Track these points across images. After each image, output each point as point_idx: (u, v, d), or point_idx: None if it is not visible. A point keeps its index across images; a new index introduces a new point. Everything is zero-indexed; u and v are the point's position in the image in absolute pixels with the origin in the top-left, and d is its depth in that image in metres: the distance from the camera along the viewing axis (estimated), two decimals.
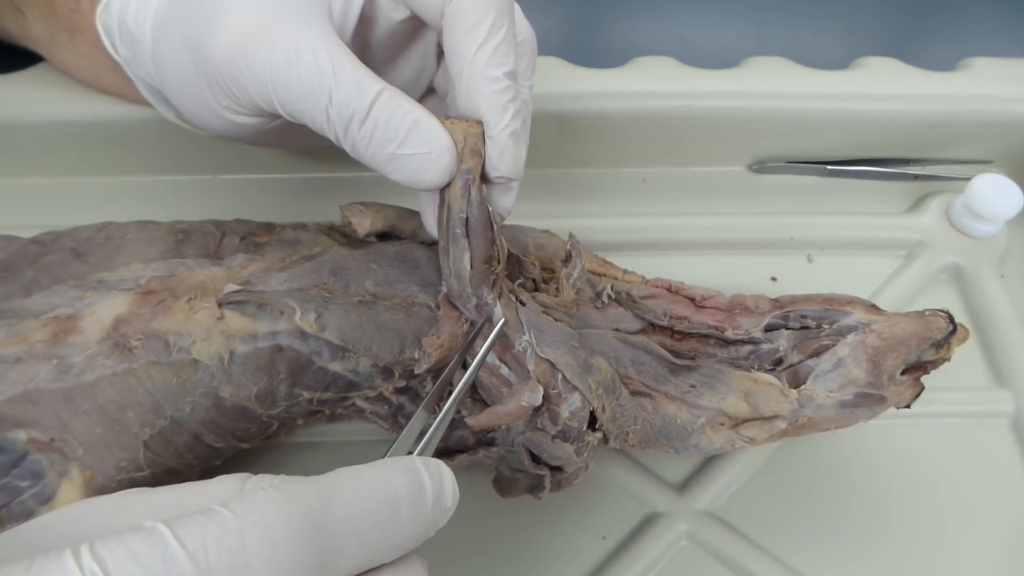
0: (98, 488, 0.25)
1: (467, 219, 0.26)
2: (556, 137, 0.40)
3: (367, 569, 0.18)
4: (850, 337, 0.29)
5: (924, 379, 0.29)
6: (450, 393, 0.25)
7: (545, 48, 0.37)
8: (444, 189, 0.27)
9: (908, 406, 0.29)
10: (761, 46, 0.49)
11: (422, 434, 0.23)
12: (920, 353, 0.28)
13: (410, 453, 0.21)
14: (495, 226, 0.27)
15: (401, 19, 0.28)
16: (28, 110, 0.36)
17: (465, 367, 0.28)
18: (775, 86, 0.40)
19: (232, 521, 0.16)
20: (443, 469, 0.20)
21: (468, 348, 0.27)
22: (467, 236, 0.26)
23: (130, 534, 0.15)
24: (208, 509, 0.16)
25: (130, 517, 0.18)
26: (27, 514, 0.25)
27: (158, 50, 0.29)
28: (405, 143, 0.25)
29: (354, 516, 0.17)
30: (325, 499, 0.17)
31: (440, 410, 0.24)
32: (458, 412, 0.29)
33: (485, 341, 0.26)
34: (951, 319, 0.29)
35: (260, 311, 0.27)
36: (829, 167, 0.42)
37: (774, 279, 0.39)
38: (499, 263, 0.27)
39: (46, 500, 0.25)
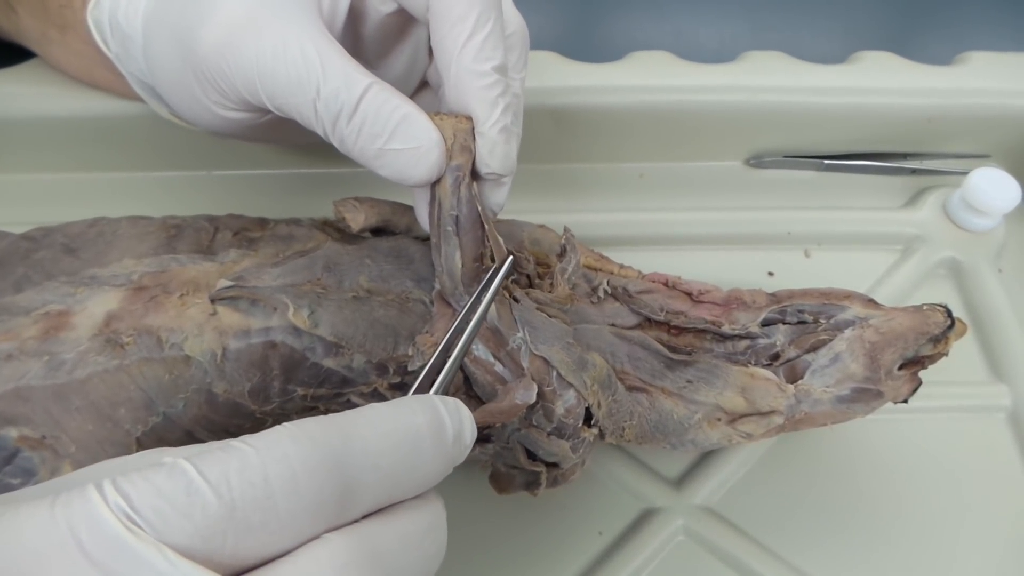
0: None
1: (457, 216, 0.26)
2: (552, 132, 0.40)
3: (388, 504, 0.18)
4: (847, 332, 0.29)
5: (922, 374, 0.29)
6: (462, 331, 0.24)
7: (541, 42, 0.37)
8: (435, 186, 0.26)
9: (906, 401, 0.29)
10: (758, 41, 0.48)
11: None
12: (918, 348, 0.28)
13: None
14: (486, 223, 0.27)
15: (389, 12, 0.28)
16: (20, 106, 0.36)
17: (460, 364, 0.28)
18: (772, 80, 0.39)
19: (254, 456, 0.16)
20: (461, 407, 0.20)
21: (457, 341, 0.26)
22: (457, 233, 0.26)
23: (152, 469, 0.15)
24: (227, 444, 0.16)
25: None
26: None
27: (148, 45, 0.29)
28: (393, 138, 0.25)
29: (374, 451, 0.17)
30: (344, 434, 0.17)
31: (454, 350, 0.24)
32: None
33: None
34: (949, 314, 0.28)
35: (253, 307, 0.27)
36: (826, 161, 0.42)
37: (771, 274, 0.38)
38: (493, 260, 0.27)
39: None
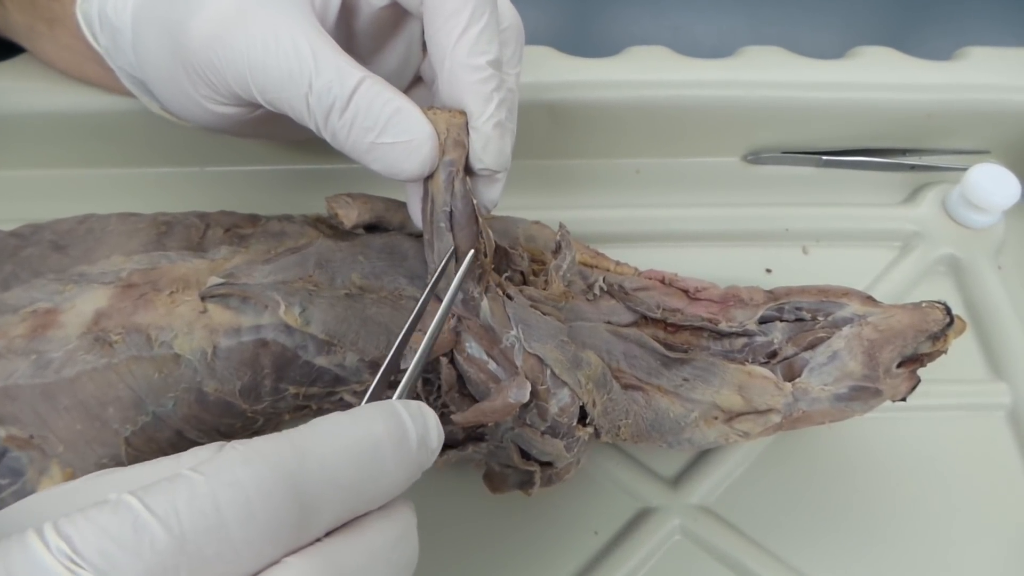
0: None
1: (451, 212, 0.26)
2: (548, 127, 0.39)
3: (352, 517, 0.17)
4: (846, 329, 0.28)
5: (920, 372, 0.29)
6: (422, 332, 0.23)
7: (538, 38, 0.36)
8: (428, 181, 0.26)
9: (904, 399, 0.29)
10: (756, 36, 0.48)
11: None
12: (916, 345, 0.28)
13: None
14: (480, 219, 0.26)
15: (382, 6, 0.27)
16: (9, 102, 0.36)
17: (454, 362, 0.27)
18: (770, 76, 0.39)
19: (203, 484, 0.15)
20: (425, 410, 0.19)
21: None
22: (451, 230, 0.26)
23: (95, 508, 0.15)
24: (175, 475, 0.15)
25: (99, 496, 0.17)
26: None
27: (138, 39, 0.28)
28: (386, 131, 0.24)
29: (332, 466, 0.17)
30: (299, 452, 0.16)
31: (415, 350, 0.23)
32: (446, 407, 0.29)
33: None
34: (948, 311, 0.28)
35: (244, 304, 0.26)
36: (824, 158, 0.41)
37: (769, 271, 0.38)
38: (486, 256, 0.27)
39: (25, 497, 0.25)
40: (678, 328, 0.31)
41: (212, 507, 0.15)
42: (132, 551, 0.14)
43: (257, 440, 0.16)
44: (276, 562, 0.16)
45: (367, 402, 0.20)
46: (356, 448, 0.17)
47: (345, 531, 0.17)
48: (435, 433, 0.19)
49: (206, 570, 0.15)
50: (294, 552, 0.16)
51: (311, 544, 0.16)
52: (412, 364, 0.22)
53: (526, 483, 0.28)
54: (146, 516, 0.14)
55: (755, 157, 0.42)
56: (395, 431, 0.18)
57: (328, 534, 0.17)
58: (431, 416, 0.19)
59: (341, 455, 0.17)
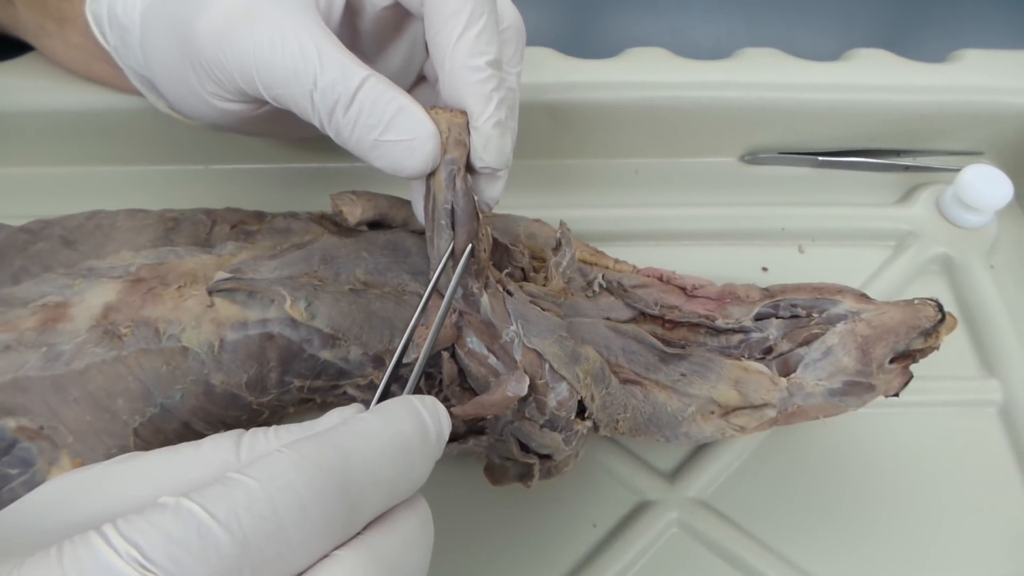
0: None
1: (452, 209, 0.26)
2: (548, 127, 0.40)
3: (387, 509, 0.18)
4: (839, 326, 0.29)
5: (913, 368, 0.29)
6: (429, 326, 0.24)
7: (537, 39, 0.37)
8: (430, 178, 0.27)
9: (897, 394, 0.29)
10: (753, 38, 0.49)
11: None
12: (909, 342, 0.29)
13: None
14: (480, 216, 0.27)
15: (385, 6, 0.28)
16: (18, 99, 0.36)
17: (455, 356, 0.28)
18: (767, 77, 0.40)
19: (258, 489, 0.16)
20: (438, 405, 0.20)
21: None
22: (452, 227, 0.26)
23: (155, 511, 0.15)
24: (227, 478, 0.16)
25: (127, 487, 0.18)
26: (16, 501, 0.25)
27: (146, 37, 0.29)
28: (389, 129, 0.25)
29: (372, 465, 0.18)
30: (343, 454, 0.17)
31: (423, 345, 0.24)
32: (446, 400, 0.29)
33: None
34: (940, 308, 0.29)
35: (250, 299, 0.27)
36: (820, 158, 0.42)
37: (765, 269, 0.39)
38: (484, 252, 0.27)
39: (35, 487, 0.25)
40: (676, 324, 0.31)
41: (271, 511, 0.15)
42: (199, 556, 0.15)
43: (302, 443, 0.17)
44: (327, 555, 0.17)
45: (380, 394, 0.21)
46: (390, 446, 0.18)
47: (381, 523, 0.18)
48: (446, 426, 0.20)
49: (266, 571, 0.15)
50: (341, 546, 0.17)
51: (354, 537, 0.17)
52: (419, 359, 0.23)
53: (525, 476, 0.29)
54: (209, 521, 0.15)
55: (752, 157, 0.42)
56: (419, 428, 0.19)
57: (365, 527, 0.18)
58: (443, 411, 0.20)
59: (378, 454, 0.18)
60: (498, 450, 0.29)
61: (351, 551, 0.17)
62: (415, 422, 0.19)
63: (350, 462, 0.17)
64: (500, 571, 0.31)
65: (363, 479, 0.17)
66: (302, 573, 0.16)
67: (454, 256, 0.26)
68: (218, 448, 0.18)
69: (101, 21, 0.31)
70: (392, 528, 0.18)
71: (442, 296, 0.27)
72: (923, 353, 0.29)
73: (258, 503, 0.15)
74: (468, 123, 0.26)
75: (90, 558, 0.14)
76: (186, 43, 0.26)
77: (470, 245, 0.26)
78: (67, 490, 0.18)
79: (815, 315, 0.30)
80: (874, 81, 0.40)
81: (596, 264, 0.33)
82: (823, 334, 0.29)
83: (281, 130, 0.31)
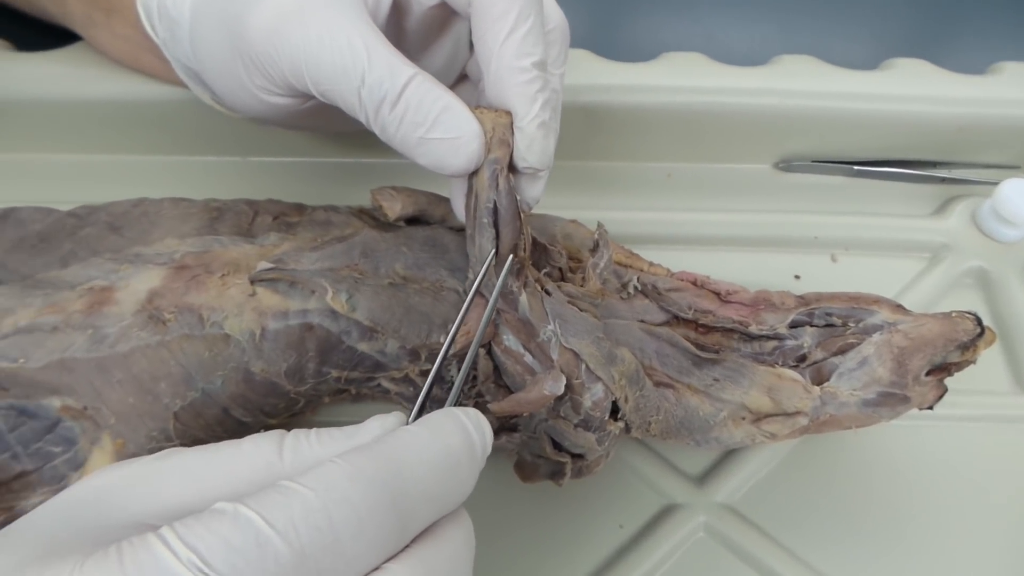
0: (129, 456, 0.26)
1: (494, 208, 0.26)
2: (582, 129, 0.40)
3: (433, 522, 0.19)
4: (876, 336, 0.29)
5: (946, 382, 0.29)
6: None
7: (574, 40, 0.37)
8: (472, 177, 0.27)
9: (931, 407, 0.29)
10: (789, 45, 0.48)
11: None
12: (946, 355, 0.28)
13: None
14: (522, 215, 0.27)
15: (431, 5, 0.28)
16: (65, 88, 0.37)
17: (490, 353, 0.28)
18: (804, 84, 0.40)
19: (315, 500, 0.16)
20: (482, 419, 0.20)
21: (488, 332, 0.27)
22: (494, 225, 0.27)
23: (213, 517, 0.15)
24: (282, 486, 0.16)
25: (172, 485, 0.18)
26: (58, 479, 0.26)
27: (196, 30, 0.29)
28: (434, 127, 0.25)
29: (423, 480, 0.18)
30: (396, 469, 0.17)
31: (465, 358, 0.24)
32: (481, 397, 0.30)
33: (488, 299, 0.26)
34: (979, 321, 0.28)
35: (292, 289, 0.27)
36: (856, 167, 0.42)
37: (797, 277, 0.39)
38: (524, 252, 0.28)
39: (77, 466, 0.26)
40: (709, 329, 0.31)
41: (327, 523, 0.16)
42: (258, 565, 0.15)
43: (354, 456, 0.17)
44: (377, 568, 0.17)
45: (425, 392, 0.22)
46: (440, 461, 0.18)
47: (428, 536, 0.18)
48: (490, 439, 0.20)
49: None
50: (391, 559, 0.17)
51: (404, 550, 0.17)
52: (463, 366, 0.24)
53: (557, 474, 0.29)
54: (267, 530, 0.15)
55: (786, 165, 0.42)
56: (466, 443, 0.19)
57: (413, 540, 0.18)
58: (486, 424, 0.21)
59: (428, 468, 0.18)
60: (530, 447, 0.29)
61: (402, 565, 0.17)
62: (462, 436, 0.19)
63: (402, 476, 0.17)
64: (525, 568, 0.31)
65: (414, 494, 0.17)
66: None
67: (498, 255, 0.26)
68: (260, 449, 0.19)
69: (151, 13, 0.32)
70: (440, 542, 0.18)
71: (483, 295, 0.27)
72: (959, 367, 0.29)
73: (315, 514, 0.16)
74: (512, 123, 0.26)
75: (151, 561, 0.14)
76: (237, 38, 0.26)
77: (515, 246, 0.26)
78: (113, 486, 0.18)
79: (851, 324, 0.30)
80: (912, 91, 0.40)
81: (631, 266, 0.33)
82: (859, 344, 0.29)
83: (324, 125, 0.32)
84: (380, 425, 0.20)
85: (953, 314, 0.29)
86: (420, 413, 0.21)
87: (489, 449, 0.20)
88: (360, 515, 0.16)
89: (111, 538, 0.15)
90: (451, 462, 0.19)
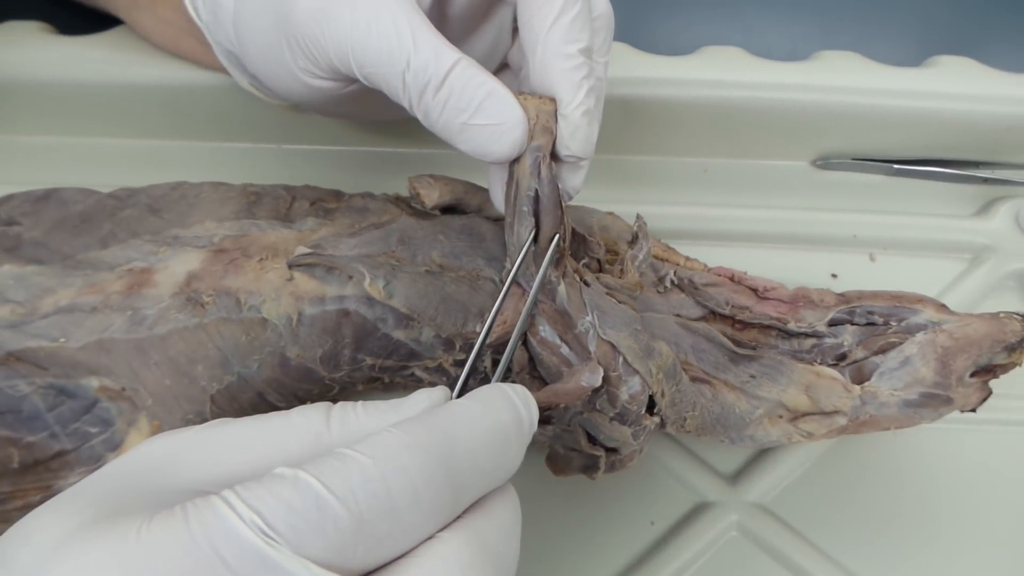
0: None
1: (535, 196, 0.26)
2: (619, 122, 0.40)
3: (484, 495, 0.19)
4: (919, 335, 0.28)
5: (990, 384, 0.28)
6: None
7: (614, 34, 0.37)
8: (513, 164, 0.27)
9: (974, 410, 0.29)
10: (829, 41, 0.48)
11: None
12: (991, 356, 0.28)
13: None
14: (563, 205, 0.27)
15: None
16: (105, 71, 0.37)
17: (526, 344, 0.28)
18: (844, 81, 0.39)
19: (372, 467, 0.16)
20: (528, 394, 0.21)
21: (527, 324, 0.27)
22: (534, 214, 0.26)
23: (274, 481, 0.15)
24: (340, 453, 0.16)
25: (226, 452, 0.18)
26: (95, 459, 0.26)
27: (239, 13, 0.29)
28: (478, 113, 0.25)
29: (476, 453, 0.18)
30: (450, 439, 0.17)
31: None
32: None
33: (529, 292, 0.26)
34: None
35: (329, 275, 0.27)
36: (896, 166, 0.41)
37: (835, 276, 0.38)
38: (564, 242, 0.27)
39: (114, 447, 0.26)
40: (746, 325, 0.31)
41: (385, 491, 0.16)
42: (318, 528, 0.15)
43: (411, 425, 0.17)
44: (431, 537, 0.17)
45: (465, 376, 0.22)
46: (491, 434, 0.19)
47: (479, 508, 0.18)
48: (536, 415, 0.20)
49: (378, 548, 0.16)
50: (444, 528, 0.17)
51: (456, 520, 0.18)
52: (509, 346, 0.24)
53: (590, 467, 0.29)
54: (327, 495, 0.15)
55: (825, 162, 0.42)
56: (514, 416, 0.19)
57: (464, 511, 0.18)
58: (532, 399, 0.21)
59: (480, 441, 0.18)
60: (563, 440, 0.29)
61: (454, 533, 0.17)
62: (511, 410, 0.19)
63: (456, 448, 0.17)
64: (555, 562, 0.31)
65: (467, 466, 0.18)
66: (408, 552, 0.17)
67: (539, 244, 0.26)
68: (308, 419, 0.19)
69: None
70: (490, 514, 0.18)
71: (519, 284, 0.27)
72: (1004, 369, 0.28)
73: (373, 482, 0.16)
74: (556, 110, 0.26)
75: (215, 520, 0.15)
76: (283, 20, 0.26)
77: (556, 234, 0.26)
78: (167, 453, 0.18)
79: (893, 323, 0.29)
80: (956, 90, 0.39)
81: (667, 260, 0.32)
82: (901, 343, 0.29)
83: (364, 111, 0.32)
84: (427, 398, 0.20)
85: (1000, 315, 0.28)
86: (463, 391, 0.21)
87: (536, 425, 0.20)
88: (416, 485, 0.16)
89: (171, 502, 0.15)
90: (501, 436, 0.19)
